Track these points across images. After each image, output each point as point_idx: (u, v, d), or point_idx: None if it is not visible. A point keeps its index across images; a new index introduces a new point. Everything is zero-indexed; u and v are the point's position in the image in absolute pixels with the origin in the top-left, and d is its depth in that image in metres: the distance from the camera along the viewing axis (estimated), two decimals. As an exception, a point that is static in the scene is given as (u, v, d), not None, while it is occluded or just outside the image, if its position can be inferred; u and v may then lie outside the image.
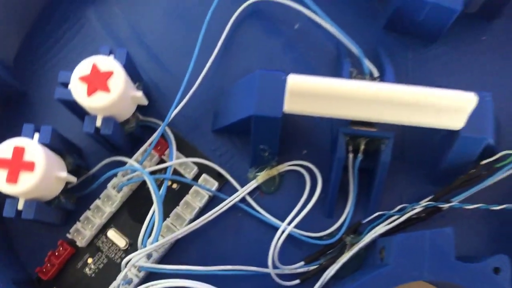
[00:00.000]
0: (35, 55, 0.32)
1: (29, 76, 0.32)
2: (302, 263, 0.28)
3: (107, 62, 0.25)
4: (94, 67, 0.25)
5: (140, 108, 0.29)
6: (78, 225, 0.28)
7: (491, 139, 0.27)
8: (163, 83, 0.31)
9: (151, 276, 0.27)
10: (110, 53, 0.27)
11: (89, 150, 0.30)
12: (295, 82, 0.24)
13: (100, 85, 0.25)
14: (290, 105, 0.26)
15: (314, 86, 0.24)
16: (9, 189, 0.24)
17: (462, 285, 0.24)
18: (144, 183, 0.28)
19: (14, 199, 0.25)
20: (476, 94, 0.24)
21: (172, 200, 0.29)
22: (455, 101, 0.24)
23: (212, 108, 0.31)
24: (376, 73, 0.29)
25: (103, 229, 0.29)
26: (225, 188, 0.30)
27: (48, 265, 0.27)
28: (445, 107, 0.25)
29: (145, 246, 0.26)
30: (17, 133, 0.26)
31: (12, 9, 0.30)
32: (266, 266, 0.28)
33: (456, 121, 0.25)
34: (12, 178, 0.24)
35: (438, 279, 0.24)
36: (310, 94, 0.25)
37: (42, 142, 0.25)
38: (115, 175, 0.28)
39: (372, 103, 0.25)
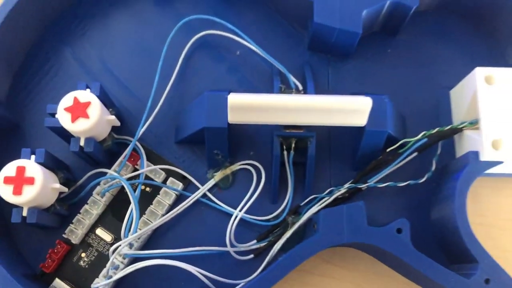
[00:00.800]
0: (24, 91, 0.38)
1: (20, 110, 0.38)
2: (254, 241, 0.35)
3: (85, 95, 0.32)
4: (75, 99, 0.32)
5: (114, 128, 0.35)
6: (71, 226, 0.35)
7: (392, 131, 0.34)
8: (132, 107, 0.38)
9: (134, 261, 0.34)
10: (86, 87, 0.34)
11: (75, 165, 0.36)
12: (233, 99, 0.32)
13: (81, 113, 0.32)
14: (232, 117, 0.33)
15: (248, 101, 0.32)
16: (15, 200, 0.31)
17: (374, 244, 0.32)
18: (122, 188, 0.35)
19: (19, 208, 0.32)
20: (372, 98, 0.32)
21: (146, 200, 0.35)
22: (356, 105, 0.32)
23: (173, 124, 0.38)
24: (300, 87, 0.36)
25: (92, 228, 0.35)
26: (189, 188, 0.36)
27: (49, 260, 0.34)
28: (350, 110, 0.32)
29: (126, 237, 0.33)
30: (13, 158, 0.32)
31: (2, 53, 0.37)
32: (225, 246, 0.35)
33: (360, 119, 0.33)
34: (17, 191, 0.30)
35: (355, 240, 0.31)
36: (246, 107, 0.32)
37: (38, 161, 0.32)
38: (98, 184, 0.35)
39: (296, 111, 0.32)
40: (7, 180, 0.31)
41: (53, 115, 0.33)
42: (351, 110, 0.32)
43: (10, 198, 0.30)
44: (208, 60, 0.39)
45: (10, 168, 0.31)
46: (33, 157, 0.32)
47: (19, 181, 0.31)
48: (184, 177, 0.36)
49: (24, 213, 0.31)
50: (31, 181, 0.31)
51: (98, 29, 0.40)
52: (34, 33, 0.39)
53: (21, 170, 0.31)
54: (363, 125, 0.33)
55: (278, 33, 0.40)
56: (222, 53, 0.40)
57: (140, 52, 0.39)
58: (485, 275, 0.31)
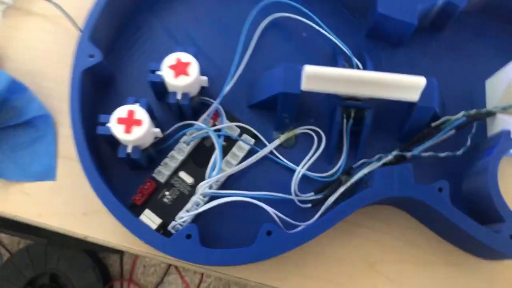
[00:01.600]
0: (122, 49, 0.44)
1: (117, 66, 0.44)
2: (312, 193, 0.41)
3: (186, 56, 0.38)
4: (178, 60, 0.38)
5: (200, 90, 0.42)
6: (159, 167, 0.41)
7: (437, 109, 0.40)
8: (212, 74, 0.44)
9: (211, 200, 0.40)
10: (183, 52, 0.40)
11: (163, 119, 0.43)
12: (309, 69, 0.38)
13: (182, 71, 0.38)
14: (306, 85, 0.39)
15: (322, 72, 0.38)
16: (126, 137, 0.37)
17: (418, 199, 0.38)
18: (203, 140, 0.41)
19: (124, 145, 0.38)
20: (426, 79, 0.38)
21: (223, 151, 0.41)
22: (412, 82, 0.38)
23: (246, 91, 0.44)
24: (361, 66, 0.42)
25: (176, 171, 0.41)
26: (258, 145, 0.43)
27: (140, 194, 0.40)
28: (406, 86, 0.38)
29: (210, 177, 0.39)
30: (109, 107, 0.38)
31: (107, 18, 0.43)
32: (290, 195, 0.41)
33: (413, 95, 0.39)
34: (128, 130, 0.37)
35: (403, 194, 0.37)
36: (319, 77, 0.38)
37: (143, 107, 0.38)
38: (185, 134, 0.41)
39: (361, 84, 0.38)
40: (120, 121, 0.37)
41: (153, 71, 0.39)
42: (408, 86, 0.38)
43: (122, 135, 0.37)
44: (279, 39, 0.46)
45: (122, 111, 0.37)
46: (137, 104, 0.38)
47: (130, 122, 0.37)
48: (255, 135, 0.42)
49: (129, 150, 0.37)
50: (139, 123, 0.37)
51: (184, 3, 0.46)
52: (131, 3, 0.45)
53: (131, 113, 0.37)
54: (415, 100, 0.39)
55: (339, 20, 0.46)
56: (291, 34, 0.46)
57: (220, 27, 0.46)
58: (511, 231, 0.37)
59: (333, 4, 0.47)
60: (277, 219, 0.38)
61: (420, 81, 0.38)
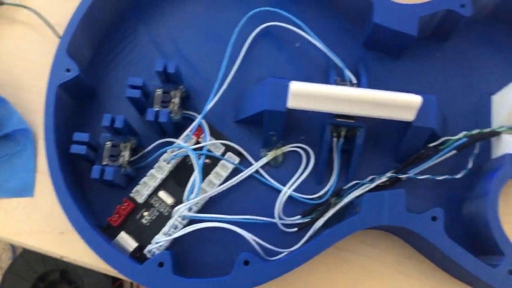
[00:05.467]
0: (102, 63, 0.42)
1: (98, 79, 0.42)
2: (299, 216, 0.39)
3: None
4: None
5: (182, 103, 0.39)
6: (138, 187, 0.39)
7: (436, 128, 0.37)
8: (198, 86, 0.42)
9: (190, 223, 0.38)
10: (164, 65, 0.38)
11: (144, 134, 0.41)
12: (295, 86, 0.35)
13: (159, 86, 0.36)
14: (292, 103, 0.36)
15: (308, 89, 0.35)
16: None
17: (410, 229, 0.35)
18: (185, 158, 0.39)
19: (98, 166, 0.36)
20: (422, 96, 0.35)
21: (205, 170, 0.39)
22: (407, 101, 0.35)
23: (233, 105, 0.41)
24: (354, 80, 0.40)
25: (155, 191, 0.39)
26: (244, 164, 0.40)
27: (116, 215, 0.38)
28: (401, 105, 0.35)
29: (188, 200, 0.37)
30: (89, 123, 0.36)
31: (87, 29, 0.41)
32: (274, 218, 0.38)
33: (409, 114, 0.36)
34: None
35: (393, 223, 0.35)
36: (305, 95, 0.35)
37: (118, 126, 0.36)
38: (165, 151, 0.39)
39: (351, 102, 0.36)
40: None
41: (132, 87, 0.37)
42: (403, 105, 0.35)
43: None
44: (270, 49, 0.43)
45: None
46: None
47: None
48: (240, 153, 0.40)
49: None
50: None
51: (173, 12, 0.44)
52: (115, 11, 0.43)
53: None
54: (410, 120, 0.36)
55: (335, 29, 0.43)
56: (283, 44, 0.43)
57: (209, 36, 0.43)
58: (510, 266, 0.34)
59: (330, 12, 0.44)
60: (256, 246, 0.36)
61: (415, 100, 0.35)
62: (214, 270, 0.38)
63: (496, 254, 0.35)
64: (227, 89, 0.41)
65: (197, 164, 0.37)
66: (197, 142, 0.40)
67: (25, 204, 0.40)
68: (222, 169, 0.39)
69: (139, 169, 0.39)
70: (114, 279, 0.98)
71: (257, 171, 0.40)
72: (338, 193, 0.39)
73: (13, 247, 1.02)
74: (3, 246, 1.03)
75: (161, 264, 0.34)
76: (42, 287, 0.93)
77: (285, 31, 0.42)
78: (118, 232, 0.38)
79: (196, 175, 0.37)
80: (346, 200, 0.38)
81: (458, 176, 0.38)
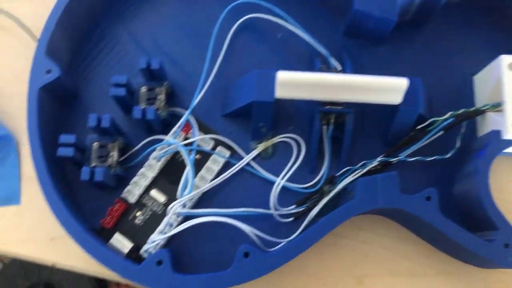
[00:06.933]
0: (83, 63, 0.42)
1: (79, 80, 0.41)
2: (294, 206, 0.39)
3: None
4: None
5: (167, 100, 0.39)
6: (129, 187, 0.38)
7: (422, 111, 0.38)
8: (182, 82, 0.41)
9: (185, 219, 0.37)
10: (147, 62, 0.37)
11: (130, 133, 0.40)
12: (283, 76, 0.35)
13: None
14: (280, 92, 0.36)
15: (295, 78, 0.35)
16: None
17: (405, 210, 0.35)
18: (174, 155, 0.39)
19: (87, 168, 0.35)
20: (408, 79, 0.35)
21: (197, 166, 0.39)
22: (393, 84, 0.35)
23: (220, 99, 0.41)
24: (339, 67, 0.40)
25: (147, 190, 0.38)
26: (234, 157, 0.40)
27: (109, 217, 0.37)
28: (387, 88, 0.36)
29: (182, 197, 0.36)
30: (73, 124, 0.35)
31: (65, 29, 0.40)
32: (269, 209, 0.38)
33: (396, 98, 0.36)
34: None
35: (388, 206, 0.35)
36: (293, 83, 0.35)
37: (104, 126, 0.36)
38: (154, 149, 0.38)
39: (339, 88, 0.36)
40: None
41: (116, 85, 0.36)
42: (389, 88, 0.35)
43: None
44: (252, 41, 0.43)
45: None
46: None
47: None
48: (230, 147, 0.40)
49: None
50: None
51: (151, 9, 0.43)
52: (92, 10, 0.42)
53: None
54: (397, 103, 0.37)
55: (316, 19, 0.43)
56: (265, 36, 0.43)
57: (189, 31, 0.43)
58: (505, 240, 0.34)
59: (309, 1, 0.44)
60: (255, 238, 0.36)
61: (401, 83, 0.35)
62: (211, 266, 0.37)
63: (491, 230, 0.35)
64: (212, 83, 0.40)
65: (188, 159, 0.36)
66: (186, 138, 0.39)
67: (11, 213, 0.39)
68: (214, 164, 0.39)
69: (128, 168, 0.39)
70: (101, 289, 0.96)
71: (248, 164, 0.40)
72: (331, 181, 0.39)
73: (-7, 264, 1.00)
74: (-18, 263, 1.00)
75: (159, 262, 0.33)
76: (26, 302, 0.91)
77: (266, 22, 0.42)
78: (112, 234, 0.37)
79: (188, 171, 0.36)
80: (340, 186, 0.38)
81: (447, 156, 0.38)
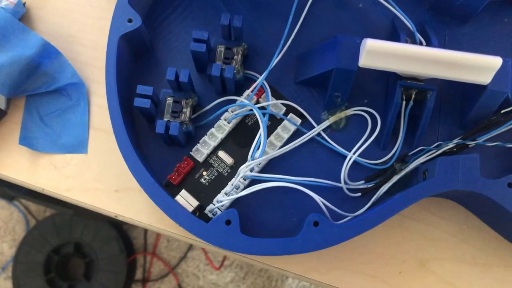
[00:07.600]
0: (160, 17, 0.41)
1: (155, 33, 0.40)
2: (362, 181, 0.38)
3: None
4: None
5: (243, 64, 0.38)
6: (198, 146, 0.37)
7: (510, 94, 0.36)
8: (257, 45, 0.40)
9: (252, 183, 0.37)
10: (229, 19, 0.36)
11: (202, 92, 0.39)
12: (371, 44, 0.34)
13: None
14: (365, 61, 0.35)
15: (385, 47, 0.34)
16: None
17: (485, 195, 0.34)
18: (244, 118, 0.38)
19: (163, 120, 0.35)
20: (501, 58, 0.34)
21: (267, 131, 0.38)
22: (486, 62, 0.34)
23: (293, 67, 0.40)
24: (424, 42, 0.38)
25: (214, 150, 0.38)
26: (305, 126, 0.39)
27: (176, 174, 0.37)
28: (478, 66, 0.34)
29: (252, 160, 0.35)
30: (147, 78, 0.34)
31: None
32: (337, 182, 0.37)
33: (485, 77, 0.34)
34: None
35: (468, 189, 0.33)
36: (381, 53, 0.34)
37: (182, 80, 0.35)
38: (226, 110, 0.37)
39: (426, 62, 0.34)
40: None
41: (197, 40, 0.36)
42: (481, 67, 0.34)
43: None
44: (332, 9, 0.41)
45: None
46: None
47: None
48: (302, 114, 0.39)
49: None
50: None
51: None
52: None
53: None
54: (486, 83, 0.35)
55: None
56: (345, 5, 0.41)
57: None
58: None
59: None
60: (324, 208, 0.35)
61: (495, 62, 0.33)
62: (273, 232, 0.37)
63: None
64: (287, 50, 0.39)
65: (262, 121, 0.35)
66: (257, 102, 0.38)
67: (78, 161, 0.39)
68: (283, 131, 0.38)
69: (197, 128, 0.38)
70: (128, 254, 0.97)
71: (319, 134, 0.39)
72: (403, 159, 0.38)
73: (26, 219, 1.02)
74: (16, 218, 1.02)
75: (228, 222, 0.33)
76: (56, 259, 0.93)
77: (348, -10, 0.41)
78: (177, 191, 0.37)
79: (261, 133, 0.36)
80: (412, 166, 0.37)
81: (531, 144, 0.37)
